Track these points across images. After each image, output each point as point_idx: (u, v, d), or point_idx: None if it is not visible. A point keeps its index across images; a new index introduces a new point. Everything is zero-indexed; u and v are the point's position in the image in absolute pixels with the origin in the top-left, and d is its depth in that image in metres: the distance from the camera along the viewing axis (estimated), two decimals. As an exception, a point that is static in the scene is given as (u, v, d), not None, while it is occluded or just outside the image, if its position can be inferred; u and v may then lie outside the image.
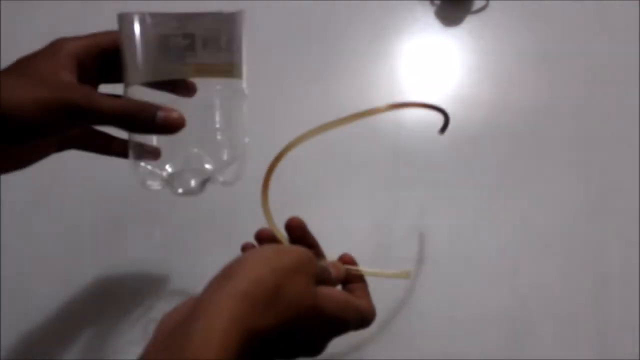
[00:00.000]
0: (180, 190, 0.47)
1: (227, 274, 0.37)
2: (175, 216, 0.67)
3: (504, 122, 0.71)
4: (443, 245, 0.64)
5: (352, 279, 0.50)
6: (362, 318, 0.46)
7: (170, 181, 0.46)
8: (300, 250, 0.42)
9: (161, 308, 0.58)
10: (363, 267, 0.52)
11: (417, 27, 0.80)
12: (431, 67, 0.76)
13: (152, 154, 0.46)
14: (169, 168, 0.46)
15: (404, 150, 0.70)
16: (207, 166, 0.46)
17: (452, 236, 0.64)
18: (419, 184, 0.68)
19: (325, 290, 0.42)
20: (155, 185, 0.47)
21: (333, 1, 0.81)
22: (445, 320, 0.60)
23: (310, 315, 0.39)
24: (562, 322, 0.59)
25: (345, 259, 0.52)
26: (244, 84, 0.47)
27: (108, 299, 0.62)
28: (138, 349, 0.36)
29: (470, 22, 0.79)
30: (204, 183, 0.47)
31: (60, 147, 0.49)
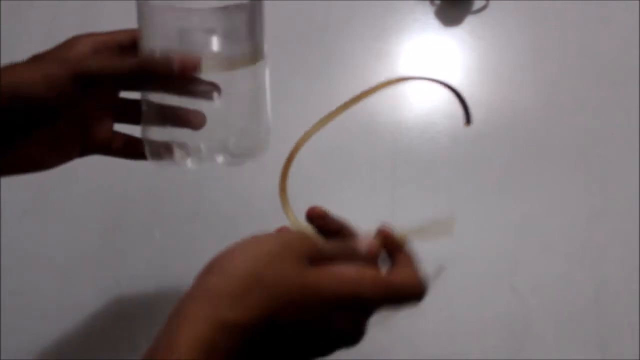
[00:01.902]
0: (193, 163, 0.44)
1: (209, 267, 0.35)
2: (175, 216, 0.67)
3: (504, 122, 0.71)
4: (443, 245, 0.64)
5: (395, 251, 0.44)
6: (396, 291, 0.39)
7: (185, 151, 0.43)
8: (284, 234, 0.39)
9: (161, 308, 0.58)
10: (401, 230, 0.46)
11: (417, 27, 0.80)
12: (431, 67, 0.76)
13: (182, 120, 0.43)
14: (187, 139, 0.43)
15: (404, 150, 0.70)
16: (229, 138, 0.44)
17: (452, 236, 0.64)
18: (419, 184, 0.68)
19: (329, 269, 0.36)
20: (169, 157, 0.44)
21: (333, 1, 0.81)
22: (445, 320, 0.59)
23: (305, 300, 0.34)
24: (562, 322, 0.59)
25: (383, 232, 0.45)
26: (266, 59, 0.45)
27: (108, 299, 0.62)
28: (139, 350, 0.36)
29: (470, 22, 0.79)
30: (222, 153, 0.45)
31: (84, 151, 0.46)
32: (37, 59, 0.40)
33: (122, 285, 0.63)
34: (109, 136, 0.46)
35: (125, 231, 0.66)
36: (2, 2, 0.83)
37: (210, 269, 0.35)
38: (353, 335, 0.39)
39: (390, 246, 0.44)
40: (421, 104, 0.72)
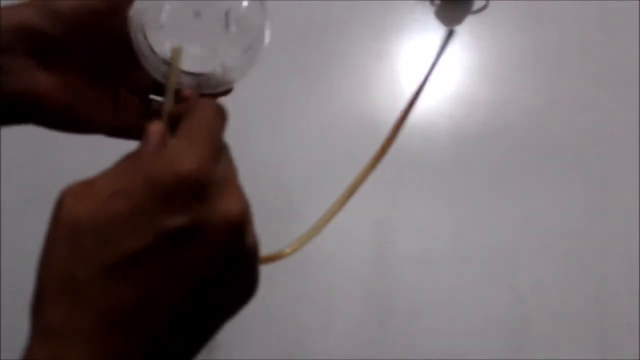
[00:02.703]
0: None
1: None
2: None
3: (504, 122, 0.71)
4: (443, 245, 0.64)
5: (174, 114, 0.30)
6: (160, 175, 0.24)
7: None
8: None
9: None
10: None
11: (417, 27, 0.80)
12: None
13: None
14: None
15: (404, 150, 0.70)
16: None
17: (452, 236, 0.64)
18: (419, 184, 0.68)
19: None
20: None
21: (333, 1, 0.81)
22: (445, 320, 0.60)
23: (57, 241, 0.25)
24: (562, 322, 0.59)
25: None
26: None
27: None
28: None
29: (470, 22, 0.79)
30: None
31: (112, 125, 0.39)
32: None
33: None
34: (138, 118, 0.39)
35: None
36: (1, 1, 0.83)
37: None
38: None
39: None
40: (421, 104, 0.72)
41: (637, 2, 0.78)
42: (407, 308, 0.60)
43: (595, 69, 0.74)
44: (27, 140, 0.68)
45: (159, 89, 0.38)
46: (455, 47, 0.78)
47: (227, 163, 0.28)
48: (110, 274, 0.24)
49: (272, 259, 0.35)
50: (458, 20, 0.80)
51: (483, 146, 0.70)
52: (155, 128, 0.27)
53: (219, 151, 0.27)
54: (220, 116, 0.28)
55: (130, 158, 0.26)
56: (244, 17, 0.41)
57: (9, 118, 0.37)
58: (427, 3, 0.81)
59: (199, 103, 0.28)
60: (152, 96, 0.40)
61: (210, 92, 0.37)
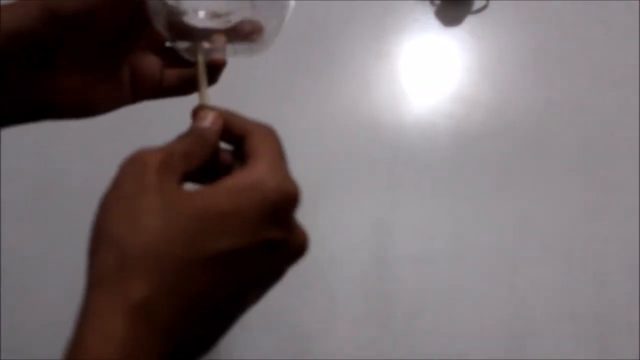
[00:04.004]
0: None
1: (96, 240, 0.32)
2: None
3: (504, 122, 0.71)
4: (443, 245, 0.64)
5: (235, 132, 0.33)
6: (266, 194, 0.29)
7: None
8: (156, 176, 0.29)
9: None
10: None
11: (417, 27, 0.80)
12: (431, 67, 0.76)
13: None
14: None
15: (404, 150, 0.70)
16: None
17: (452, 236, 0.64)
18: (419, 184, 0.68)
19: (209, 193, 0.29)
20: None
21: (333, 1, 0.81)
22: (445, 320, 0.60)
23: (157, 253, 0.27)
24: (562, 322, 0.59)
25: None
26: None
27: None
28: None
29: (470, 22, 0.79)
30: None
31: (136, 94, 0.40)
32: None
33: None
34: (159, 75, 0.41)
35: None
36: (1, 1, 0.83)
37: (98, 242, 0.30)
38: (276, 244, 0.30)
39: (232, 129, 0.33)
40: (421, 104, 0.72)
41: (637, 2, 0.78)
42: (407, 308, 0.60)
43: (595, 69, 0.74)
44: (28, 140, 0.68)
45: (173, 33, 0.38)
46: (455, 47, 0.78)
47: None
48: (212, 262, 0.27)
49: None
50: (458, 20, 0.80)
51: (483, 146, 0.70)
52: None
53: None
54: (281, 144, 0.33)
55: (245, 173, 0.30)
56: None
57: (25, 119, 0.37)
58: (427, 3, 0.81)
59: (263, 128, 0.33)
60: (168, 44, 0.40)
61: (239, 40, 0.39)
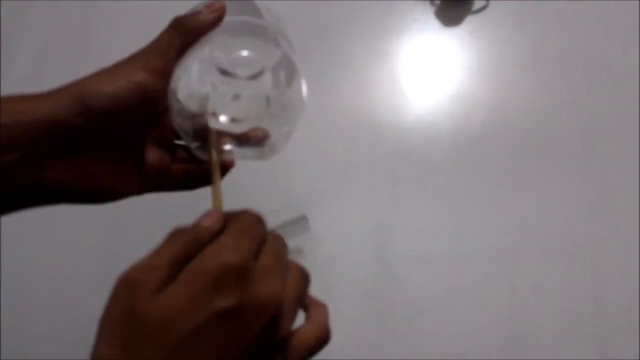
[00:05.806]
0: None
1: (114, 300, 0.34)
2: (177, 217, 0.67)
3: (504, 122, 0.71)
4: (443, 245, 0.64)
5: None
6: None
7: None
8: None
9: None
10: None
11: (417, 27, 0.80)
12: (431, 67, 0.76)
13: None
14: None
15: (404, 150, 0.70)
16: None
17: (452, 236, 0.64)
18: (419, 184, 0.68)
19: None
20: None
21: (333, 1, 0.81)
22: (445, 320, 0.60)
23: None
24: (562, 322, 0.59)
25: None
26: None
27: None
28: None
29: (470, 22, 0.79)
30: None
31: (143, 186, 0.42)
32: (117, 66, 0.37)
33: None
34: (167, 169, 0.44)
35: (127, 232, 0.66)
36: (2, 2, 0.83)
37: (113, 304, 0.32)
38: None
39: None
40: (421, 104, 0.72)
41: (637, 2, 0.78)
42: (407, 308, 0.60)
43: (595, 69, 0.74)
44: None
45: (180, 135, 0.41)
46: (455, 47, 0.78)
47: (270, 259, 0.32)
48: (174, 353, 0.28)
49: None
50: (458, 20, 0.80)
51: (483, 146, 0.70)
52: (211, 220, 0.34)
53: (259, 248, 0.32)
54: (261, 223, 0.34)
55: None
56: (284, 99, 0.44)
57: (39, 202, 0.39)
58: (427, 3, 0.81)
59: (243, 213, 0.34)
60: (177, 141, 0.42)
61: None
